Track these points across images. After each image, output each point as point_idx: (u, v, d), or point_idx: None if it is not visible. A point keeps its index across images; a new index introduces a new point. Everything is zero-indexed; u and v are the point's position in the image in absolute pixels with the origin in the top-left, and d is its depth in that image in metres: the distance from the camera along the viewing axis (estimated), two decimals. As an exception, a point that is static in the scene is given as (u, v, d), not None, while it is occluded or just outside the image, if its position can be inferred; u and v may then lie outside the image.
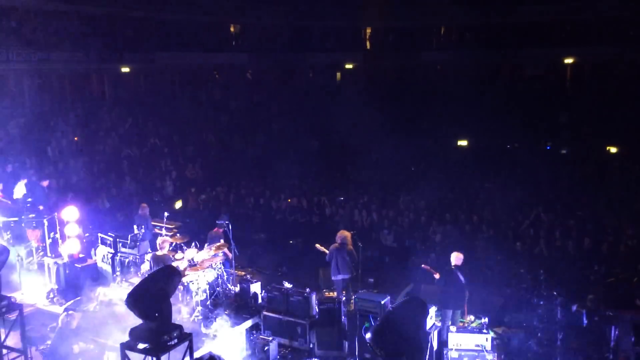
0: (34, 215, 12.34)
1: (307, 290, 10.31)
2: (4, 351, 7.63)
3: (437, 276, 10.24)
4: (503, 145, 24.78)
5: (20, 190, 13.46)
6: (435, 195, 17.35)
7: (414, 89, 30.74)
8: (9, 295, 8.21)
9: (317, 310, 10.04)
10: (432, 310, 9.44)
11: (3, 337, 7.10)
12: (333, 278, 11.53)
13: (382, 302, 9.50)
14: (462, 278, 10.01)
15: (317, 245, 11.89)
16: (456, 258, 10.19)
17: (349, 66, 35.04)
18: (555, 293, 10.61)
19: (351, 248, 11.51)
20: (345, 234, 11.60)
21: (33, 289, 11.15)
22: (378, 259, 14.74)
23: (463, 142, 25.07)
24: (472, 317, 10.06)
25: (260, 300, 10.63)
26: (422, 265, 10.84)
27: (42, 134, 19.65)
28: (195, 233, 12.75)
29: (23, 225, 12.27)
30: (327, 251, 11.57)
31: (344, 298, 10.59)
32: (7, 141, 18.22)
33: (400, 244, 15.40)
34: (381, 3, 30.41)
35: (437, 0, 31.52)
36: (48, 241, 11.99)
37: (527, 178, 19.24)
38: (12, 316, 7.42)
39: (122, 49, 26.74)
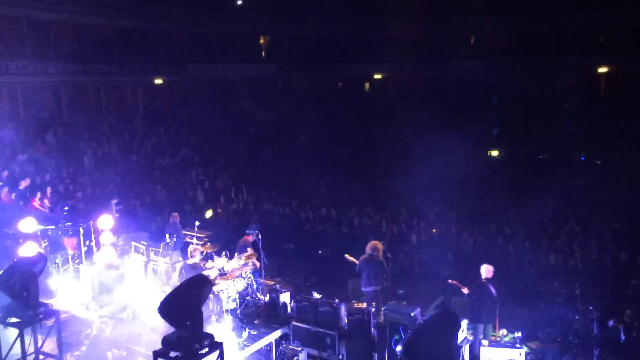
0: (70, 224, 12.62)
1: (337, 300, 10.26)
2: (41, 357, 7.79)
3: (465, 291, 10.09)
4: (535, 156, 24.40)
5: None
6: (466, 206, 17.16)
7: (444, 99, 30.58)
8: (46, 301, 8.41)
9: (346, 321, 9.99)
10: (464, 323, 9.31)
11: (40, 342, 7.25)
12: (363, 289, 11.46)
13: (412, 314, 9.41)
14: (493, 291, 9.85)
15: (347, 256, 11.84)
16: (487, 271, 10.03)
17: (377, 76, 35.04)
18: (591, 308, 10.35)
19: (381, 259, 11.42)
20: (375, 245, 11.51)
21: (68, 295, 11.38)
22: (408, 270, 14.63)
23: (495, 152, 24.78)
24: (504, 331, 9.88)
25: (289, 310, 10.63)
26: (450, 280, 10.68)
27: (79, 144, 20.14)
28: (225, 242, 12.88)
29: (60, 233, 12.56)
30: (356, 262, 11.51)
31: (373, 309, 10.51)
32: (44, 151, 18.74)
33: (430, 255, 15.27)
34: (410, 13, 30.38)
35: (467, 10, 31.32)
36: (83, 249, 12.23)
37: (560, 189, 18.90)
38: (49, 322, 7.59)
39: (156, 61, 27.33)
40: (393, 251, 12.80)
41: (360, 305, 11.46)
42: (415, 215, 17.33)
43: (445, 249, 15.14)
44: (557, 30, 30.07)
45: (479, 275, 10.08)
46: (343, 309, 10.06)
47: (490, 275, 9.95)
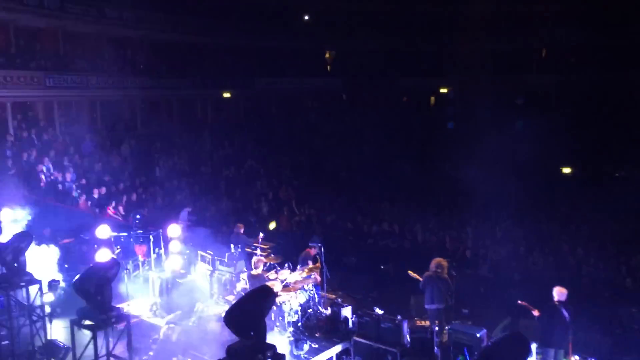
0: (141, 231, 13.13)
1: (399, 317, 10.08)
2: (112, 359, 8.09)
3: (536, 313, 9.65)
4: (611, 173, 23.20)
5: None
6: (536, 224, 16.52)
7: (515, 113, 29.68)
8: (118, 306, 8.75)
9: (408, 339, 9.79)
10: (533, 347, 8.91)
11: (111, 345, 7.54)
12: (426, 307, 11.20)
13: (478, 335, 9.11)
14: (566, 315, 9.36)
15: (410, 272, 11.62)
16: (559, 293, 9.55)
17: (443, 90, 34.55)
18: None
19: (446, 277, 11.14)
20: (440, 262, 11.24)
21: (138, 301, 11.81)
22: (473, 289, 14.19)
23: (567, 169, 23.74)
24: (577, 357, 9.38)
25: (350, 325, 10.55)
26: (519, 301, 10.25)
27: (151, 155, 21.00)
28: (287, 254, 12.97)
29: (131, 240, 13.09)
30: (420, 278, 11.28)
31: (436, 328, 10.26)
32: (119, 162, 19.66)
33: (497, 275, 14.77)
34: (478, 26, 29.84)
35: (539, 23, 30.42)
36: (153, 256, 12.68)
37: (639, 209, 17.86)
38: (120, 326, 7.88)
39: (224, 75, 28.20)
40: (457, 269, 12.44)
41: (423, 323, 11.21)
42: (482, 233, 16.84)
43: (512, 269, 14.60)
44: (636, 41, 28.62)
45: (548, 297, 9.62)
46: (405, 326, 9.86)
47: (563, 298, 9.47)
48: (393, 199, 20.38)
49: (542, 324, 9.61)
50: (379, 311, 10.34)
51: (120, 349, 8.30)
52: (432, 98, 35.82)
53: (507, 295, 12.77)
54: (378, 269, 15.54)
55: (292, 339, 10.01)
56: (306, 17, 33.87)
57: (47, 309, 9.58)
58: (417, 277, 11.35)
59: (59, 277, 11.33)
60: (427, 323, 11.02)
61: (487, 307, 12.81)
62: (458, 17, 31.02)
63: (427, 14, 32.92)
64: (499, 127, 27.36)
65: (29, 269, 8.96)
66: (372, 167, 24.37)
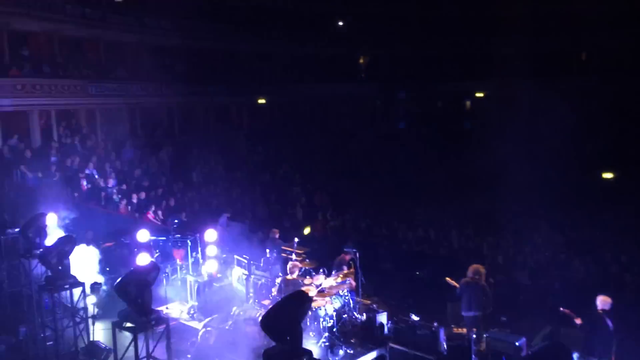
0: (179, 236, 13.37)
1: (435, 324, 9.98)
2: (150, 361, 8.26)
3: (578, 321, 9.39)
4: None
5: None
6: (578, 231, 16.10)
7: (553, 117, 29.00)
8: (157, 309, 8.92)
9: (445, 346, 9.68)
10: (575, 357, 8.68)
11: (151, 348, 7.69)
12: (463, 314, 11.03)
13: (517, 344, 8.94)
14: (610, 324, 9.09)
15: (448, 279, 11.46)
16: (603, 302, 9.27)
17: (479, 95, 34.07)
18: None
19: (484, 283, 10.95)
20: (477, 268, 11.05)
21: (176, 304, 12.02)
22: (511, 296, 13.92)
23: (608, 174, 23.07)
24: (621, 368, 9.09)
25: (386, 331, 10.48)
26: (562, 309, 9.99)
27: (188, 161, 21.38)
28: (322, 259, 12.98)
29: (170, 244, 13.34)
30: (457, 285, 11.13)
31: (474, 336, 10.09)
32: (157, 167, 20.09)
33: (536, 282, 14.46)
34: (515, 29, 29.35)
35: (579, 25, 29.72)
36: (190, 260, 12.89)
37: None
38: (160, 329, 8.03)
39: (260, 82, 28.52)
40: (496, 276, 12.23)
41: (460, 330, 11.03)
42: (520, 240, 16.51)
43: (552, 277, 14.26)
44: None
45: (589, 305, 9.36)
46: (442, 334, 9.76)
47: (607, 307, 9.19)
48: (428, 204, 20.19)
49: (585, 333, 9.35)
50: (415, 318, 10.25)
51: (159, 351, 8.47)
52: (468, 102, 35.38)
53: (547, 302, 12.52)
54: (413, 275, 15.40)
55: (327, 344, 10.02)
56: (340, 23, 33.98)
57: (92, 310, 9.86)
58: (454, 283, 11.20)
59: (100, 279, 11.66)
60: (464, 330, 10.84)
61: (526, 315, 12.55)
62: (494, 19, 30.58)
63: (460, 18, 32.56)
64: (537, 132, 26.84)
65: (72, 271, 9.24)
66: (408, 172, 24.21)
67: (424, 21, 32.63)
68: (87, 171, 17.04)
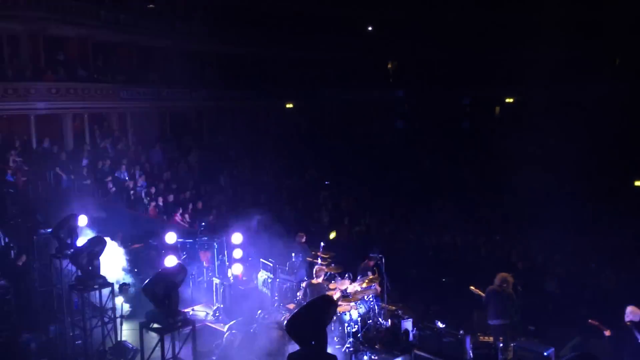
0: (206, 238, 13.52)
1: (461, 332, 9.88)
2: (176, 362, 8.35)
3: (607, 333, 9.17)
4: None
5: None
6: (609, 240, 15.73)
7: (582, 123, 28.42)
8: (184, 310, 9.03)
9: (471, 354, 9.57)
10: (604, 368, 8.49)
11: (177, 349, 7.78)
12: (490, 322, 10.86)
13: (545, 354, 8.78)
14: (638, 336, 8.86)
15: (472, 288, 11.32)
16: (632, 313, 9.05)
17: (509, 100, 33.63)
18: None
19: (511, 292, 10.78)
20: (505, 277, 10.87)
21: (202, 306, 12.15)
22: (540, 305, 13.67)
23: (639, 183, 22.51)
24: (651, 382, 8.84)
25: (411, 338, 10.41)
26: (590, 320, 9.77)
27: (216, 164, 21.61)
28: (347, 264, 12.96)
29: (197, 246, 13.49)
30: (482, 294, 10.97)
31: (501, 345, 9.94)
32: (186, 170, 20.36)
33: (565, 291, 14.15)
34: (545, 33, 28.88)
35: (612, 29, 29.11)
36: (217, 263, 13.02)
37: None
38: (186, 330, 8.13)
39: (287, 86, 28.70)
40: (524, 284, 12.02)
41: (486, 338, 10.88)
42: (550, 247, 16.20)
43: (582, 286, 13.95)
44: None
45: (620, 316, 9.13)
46: (468, 341, 9.65)
47: (637, 318, 8.97)
48: (456, 210, 19.98)
49: (613, 345, 9.14)
50: (440, 325, 10.15)
51: (185, 353, 8.56)
52: (497, 108, 34.96)
53: (577, 312, 12.25)
54: (439, 282, 15.25)
55: (351, 349, 10.00)
56: (369, 29, 33.97)
57: (121, 309, 10.03)
58: (479, 292, 11.02)
59: (128, 280, 11.86)
60: (491, 339, 10.69)
61: (554, 325, 12.30)
62: (523, 25, 30.15)
63: (489, 23, 32.20)
64: (566, 137, 26.30)
65: (102, 272, 9.42)
66: (435, 178, 24.03)
67: (451, 26, 32.35)
68: (116, 174, 17.36)
